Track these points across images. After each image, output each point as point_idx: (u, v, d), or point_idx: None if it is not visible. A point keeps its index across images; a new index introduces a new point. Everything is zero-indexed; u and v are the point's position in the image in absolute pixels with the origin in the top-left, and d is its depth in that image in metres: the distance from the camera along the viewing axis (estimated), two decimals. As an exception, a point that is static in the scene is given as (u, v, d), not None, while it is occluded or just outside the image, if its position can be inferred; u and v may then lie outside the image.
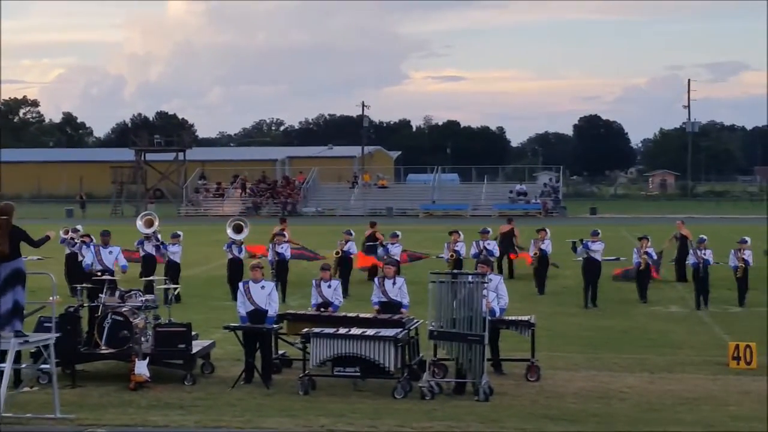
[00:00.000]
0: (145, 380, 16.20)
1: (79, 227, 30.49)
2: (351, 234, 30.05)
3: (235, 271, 27.10)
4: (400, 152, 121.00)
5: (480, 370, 15.63)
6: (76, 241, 29.02)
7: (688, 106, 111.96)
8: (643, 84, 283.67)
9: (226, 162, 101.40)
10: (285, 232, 30.41)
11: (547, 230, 30.09)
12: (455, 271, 21.52)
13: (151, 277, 23.76)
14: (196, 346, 17.40)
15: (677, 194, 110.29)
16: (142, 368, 16.27)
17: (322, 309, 17.99)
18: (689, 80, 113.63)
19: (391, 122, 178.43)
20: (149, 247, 27.78)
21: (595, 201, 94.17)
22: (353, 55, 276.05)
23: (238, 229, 28.06)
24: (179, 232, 28.68)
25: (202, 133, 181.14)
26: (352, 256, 29.47)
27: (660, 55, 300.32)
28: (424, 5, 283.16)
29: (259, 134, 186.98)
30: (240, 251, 27.66)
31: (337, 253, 28.83)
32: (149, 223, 28.05)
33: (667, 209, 76.35)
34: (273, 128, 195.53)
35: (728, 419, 14.11)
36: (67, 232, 29.75)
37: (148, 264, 27.67)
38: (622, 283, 30.24)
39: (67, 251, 29.33)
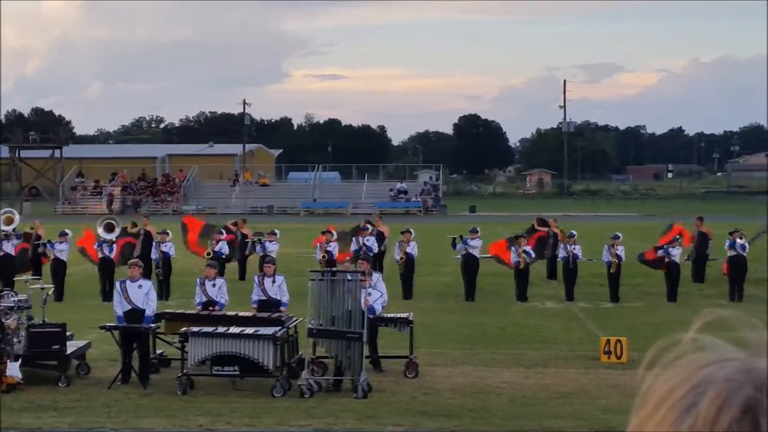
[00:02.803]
0: (17, 382, 15.86)
1: None
2: (222, 233, 29.86)
3: (107, 270, 26.83)
4: (281, 150, 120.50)
5: (359, 368, 15.74)
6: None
7: (564, 107, 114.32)
8: (521, 84, 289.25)
9: (105, 159, 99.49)
10: (169, 231, 30.07)
11: (412, 232, 29.12)
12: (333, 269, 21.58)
13: (24, 277, 23.25)
14: (71, 346, 17.12)
15: (554, 193, 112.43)
16: (13, 370, 15.92)
17: (210, 308, 17.89)
18: (565, 81, 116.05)
19: (273, 120, 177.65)
20: (7, 247, 27.26)
21: (475, 199, 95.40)
22: (234, 52, 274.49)
23: (109, 228, 27.75)
24: (67, 231, 28.16)
25: (79, 130, 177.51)
26: (223, 256, 29.23)
27: (537, 56, 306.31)
28: (305, 3, 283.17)
29: (139, 131, 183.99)
30: (111, 250, 27.35)
31: (209, 253, 28.50)
32: (8, 221, 27.55)
33: (544, 208, 77.79)
34: (153, 125, 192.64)
35: (598, 412, 14.51)
36: None
37: (4, 264, 27.02)
38: (499, 279, 30.67)
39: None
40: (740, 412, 1.03)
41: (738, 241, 27.00)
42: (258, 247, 29.74)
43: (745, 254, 27.06)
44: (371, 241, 29.62)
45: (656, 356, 1.11)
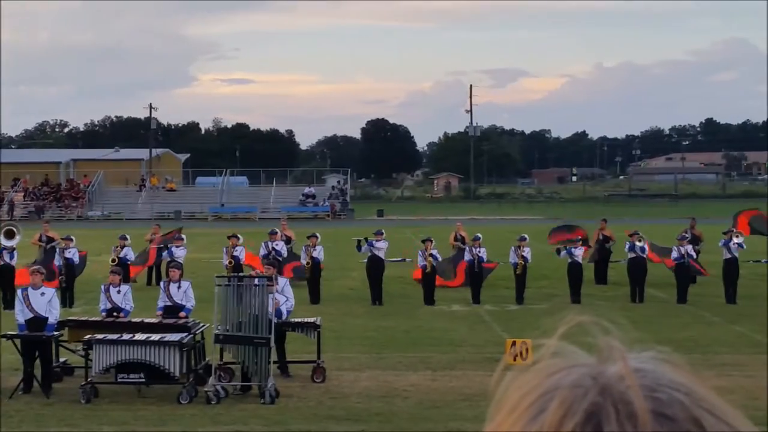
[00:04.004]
0: None
1: None
2: (126, 239, 29.50)
3: (7, 278, 26.32)
4: (188, 155, 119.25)
5: (266, 373, 15.71)
6: None
7: (471, 111, 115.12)
8: (428, 88, 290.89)
9: (6, 165, 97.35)
10: (72, 237, 29.60)
11: (318, 236, 29.05)
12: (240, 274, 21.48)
13: None
14: (-29, 356, 16.76)
15: (461, 196, 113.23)
16: None
17: (115, 314, 17.66)
18: (471, 86, 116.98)
19: (180, 124, 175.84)
20: None
21: (382, 203, 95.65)
22: (140, 56, 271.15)
23: (9, 235, 27.30)
24: None
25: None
26: (128, 262, 28.87)
27: (443, 61, 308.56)
28: (212, 7, 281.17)
29: (42, 136, 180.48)
30: (12, 257, 26.86)
31: (113, 260, 28.12)
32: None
33: (451, 211, 78.36)
34: (57, 130, 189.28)
35: (504, 413, 14.67)
36: None
37: None
38: (406, 283, 30.77)
39: None
40: (584, 418, 1.05)
41: (637, 243, 27.54)
42: (165, 253, 29.48)
43: (644, 256, 27.61)
44: (280, 246, 29.55)
45: (508, 366, 1.16)
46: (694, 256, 28.19)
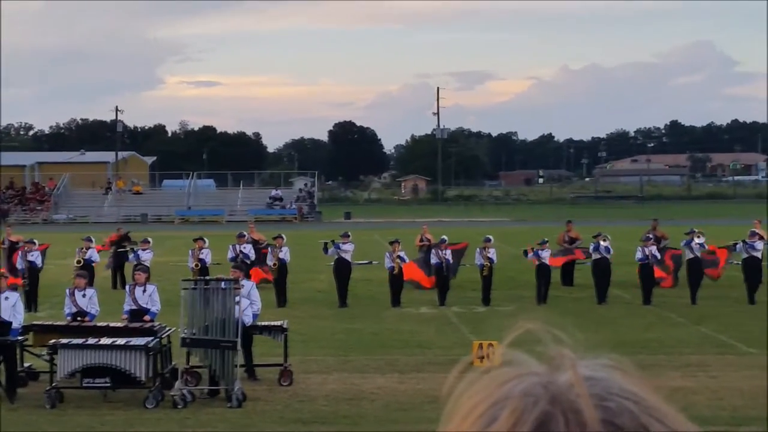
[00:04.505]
0: None
1: None
2: (91, 241, 29.36)
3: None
4: (155, 158, 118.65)
5: (233, 377, 15.66)
6: None
7: (438, 113, 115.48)
8: (395, 91, 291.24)
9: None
10: (35, 241, 29.41)
11: (284, 237, 28.97)
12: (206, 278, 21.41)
13: None
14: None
15: (428, 198, 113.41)
16: None
17: (80, 318, 17.54)
18: (438, 88, 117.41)
19: (146, 127, 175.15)
20: None
21: (350, 205, 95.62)
22: (106, 58, 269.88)
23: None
24: None
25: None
26: (93, 264, 28.71)
27: (410, 64, 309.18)
28: (178, 9, 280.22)
29: (7, 139, 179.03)
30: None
31: (78, 261, 27.96)
32: None
33: (418, 213, 78.48)
34: (21, 133, 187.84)
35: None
36: None
37: None
38: (373, 285, 30.74)
39: None
40: (534, 427, 1.06)
41: (602, 243, 27.73)
42: (131, 256, 29.31)
43: (609, 257, 27.77)
44: (248, 249, 29.48)
45: (465, 369, 1.16)
46: (658, 257, 28.40)
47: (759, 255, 27.65)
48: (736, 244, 28.39)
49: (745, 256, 27.71)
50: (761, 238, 28.33)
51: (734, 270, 29.29)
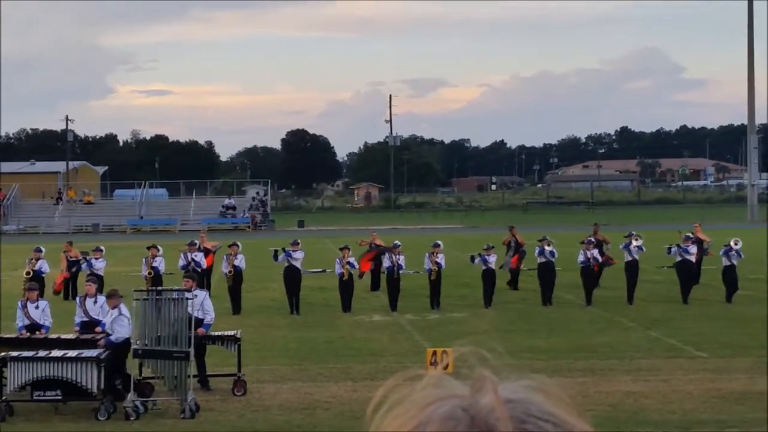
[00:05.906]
0: None
1: None
2: (41, 251, 29.10)
3: None
4: (106, 167, 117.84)
5: (185, 387, 15.60)
6: None
7: (390, 121, 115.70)
8: (348, 99, 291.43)
9: None
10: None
11: (239, 245, 29.15)
12: (158, 287, 21.30)
13: None
14: None
15: (381, 206, 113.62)
16: None
17: (37, 332, 17.36)
18: (390, 96, 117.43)
19: (97, 137, 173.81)
20: None
21: (303, 214, 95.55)
22: (55, 67, 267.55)
23: None
24: None
25: None
26: (43, 275, 28.44)
27: (362, 71, 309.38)
28: (129, 17, 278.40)
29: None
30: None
31: (28, 273, 27.66)
32: None
33: (371, 221, 78.54)
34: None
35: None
36: None
37: None
38: (326, 293, 30.70)
39: None
40: None
41: (546, 248, 28.22)
42: (84, 265, 29.07)
43: (553, 260, 28.30)
44: (199, 257, 29.35)
45: (388, 393, 1.19)
46: (599, 260, 28.99)
47: (692, 258, 29.06)
48: (671, 247, 29.28)
49: (678, 259, 28.85)
50: (696, 241, 29.98)
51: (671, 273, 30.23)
